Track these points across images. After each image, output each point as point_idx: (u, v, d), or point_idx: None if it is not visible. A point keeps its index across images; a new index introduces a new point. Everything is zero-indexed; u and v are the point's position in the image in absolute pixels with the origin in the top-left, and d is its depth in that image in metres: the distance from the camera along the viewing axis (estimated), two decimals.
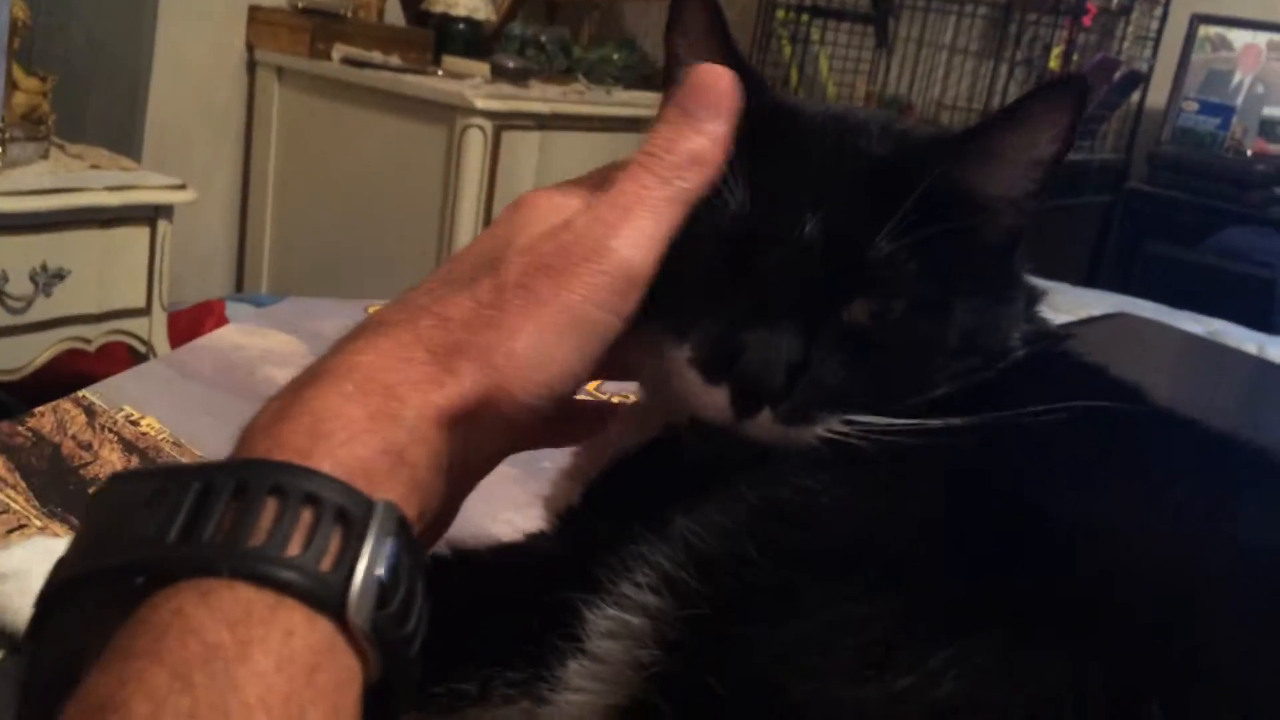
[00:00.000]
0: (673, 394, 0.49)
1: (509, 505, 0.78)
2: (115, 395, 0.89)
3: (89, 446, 0.80)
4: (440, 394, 0.42)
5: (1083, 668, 0.36)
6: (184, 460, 0.80)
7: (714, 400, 0.47)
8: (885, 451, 0.47)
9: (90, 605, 0.35)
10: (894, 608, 0.39)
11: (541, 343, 0.44)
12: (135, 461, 0.80)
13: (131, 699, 0.30)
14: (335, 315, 1.09)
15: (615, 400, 0.58)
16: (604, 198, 0.47)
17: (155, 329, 2.38)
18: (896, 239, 0.48)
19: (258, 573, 0.33)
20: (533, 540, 0.52)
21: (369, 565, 0.35)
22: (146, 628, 0.32)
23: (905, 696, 0.36)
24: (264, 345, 1.02)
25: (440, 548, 0.52)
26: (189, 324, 2.48)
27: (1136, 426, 0.49)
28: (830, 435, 0.48)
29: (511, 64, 3.16)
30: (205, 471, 0.36)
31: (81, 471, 0.77)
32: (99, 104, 2.61)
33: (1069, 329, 0.60)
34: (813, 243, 0.48)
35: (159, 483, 0.36)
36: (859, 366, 0.48)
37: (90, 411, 0.86)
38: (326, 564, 0.34)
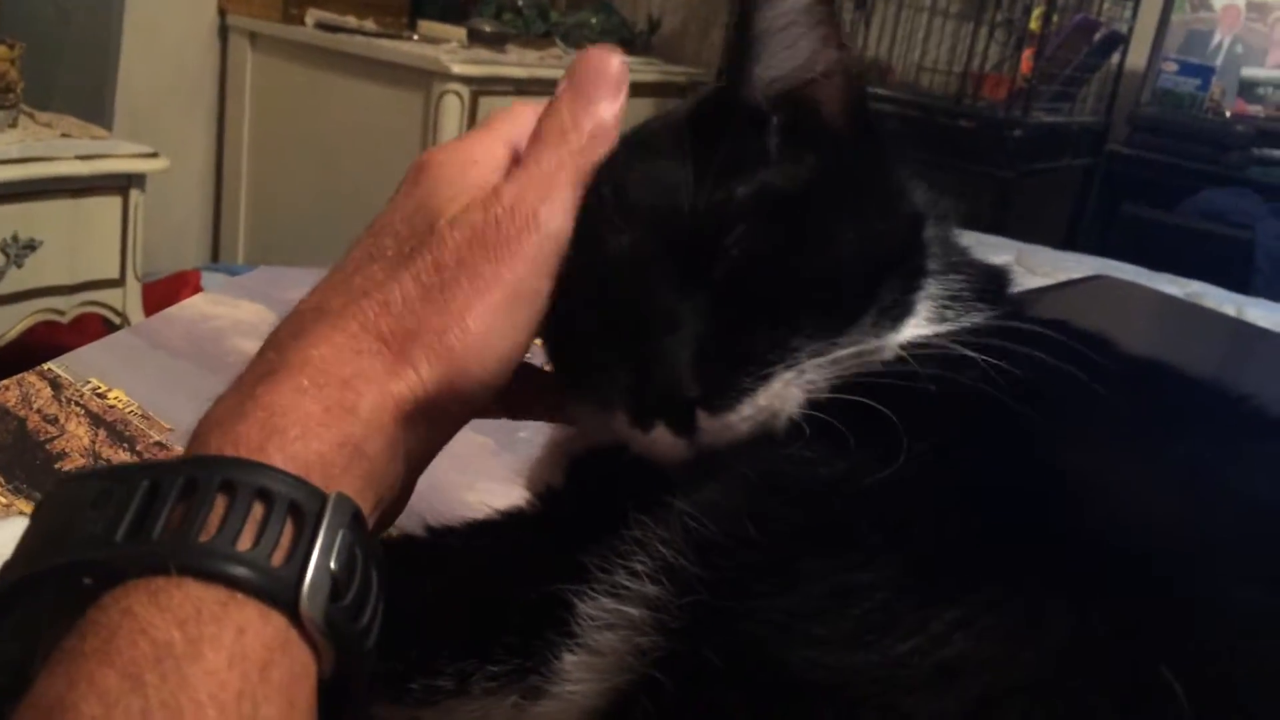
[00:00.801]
0: (642, 454, 0.47)
1: (485, 476, 0.78)
2: (82, 367, 0.87)
3: (55, 420, 0.79)
4: (397, 384, 0.41)
5: (1090, 624, 0.35)
6: (153, 434, 0.79)
7: (662, 443, 0.46)
8: (877, 414, 0.45)
9: (39, 607, 0.34)
10: (896, 572, 0.38)
11: (493, 320, 0.43)
12: (102, 435, 0.78)
13: (82, 701, 0.30)
14: (307, 284, 1.07)
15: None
16: (529, 169, 0.47)
17: (130, 300, 2.36)
18: (718, 182, 0.47)
19: (207, 569, 0.33)
20: (512, 521, 0.51)
21: (321, 558, 0.35)
22: (96, 629, 0.32)
23: (909, 660, 0.35)
24: (235, 315, 1.01)
25: (414, 527, 0.51)
26: (164, 295, 2.46)
27: (1137, 382, 0.49)
28: (797, 394, 0.46)
29: (488, 28, 3.13)
30: (154, 470, 0.36)
31: (48, 446, 0.76)
32: (69, 71, 2.56)
33: (1049, 292, 0.60)
34: (643, 229, 0.47)
35: (106, 483, 0.36)
36: (754, 315, 0.46)
37: (56, 384, 0.84)
38: (278, 558, 0.34)
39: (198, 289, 2.48)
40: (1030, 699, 0.34)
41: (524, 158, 0.47)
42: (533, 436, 0.61)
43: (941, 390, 0.45)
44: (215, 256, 3.23)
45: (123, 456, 0.75)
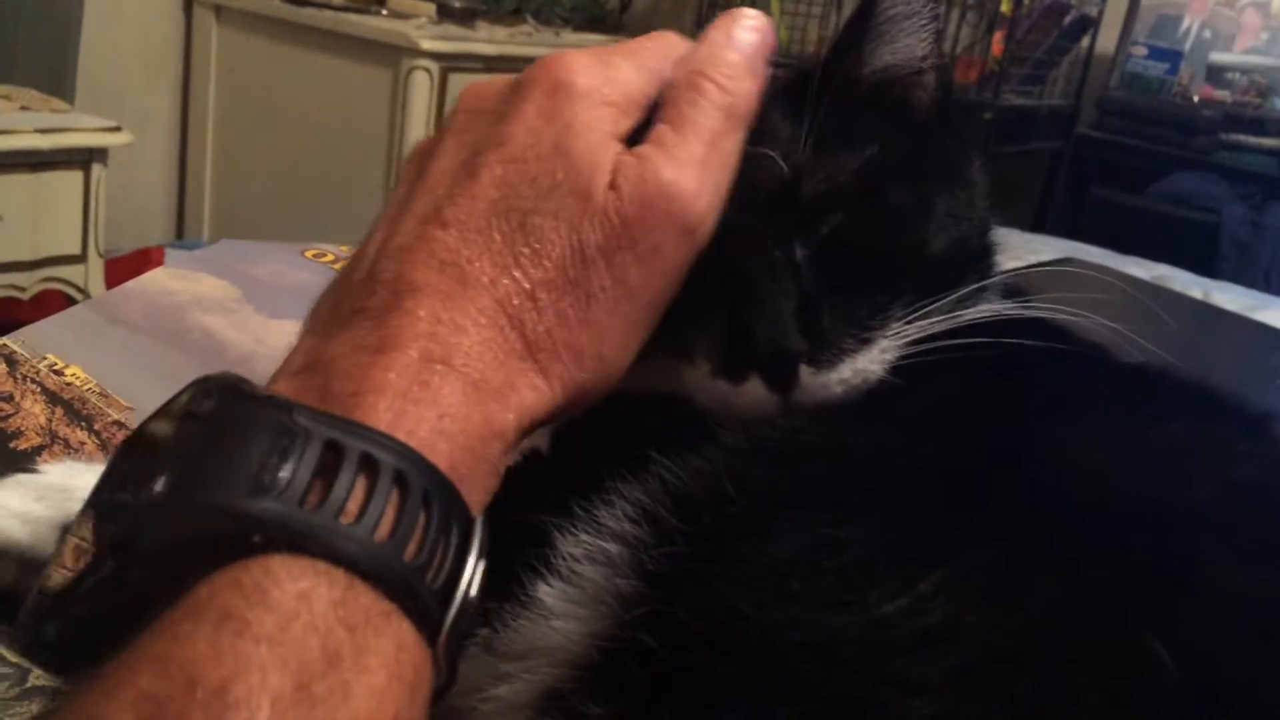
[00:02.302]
0: (713, 408, 0.47)
1: None
2: (38, 343, 0.85)
3: (10, 398, 0.77)
4: (537, 403, 0.39)
5: (1076, 594, 0.35)
6: (111, 412, 0.78)
7: (752, 395, 0.46)
8: (870, 389, 0.47)
9: (187, 536, 0.31)
10: (876, 531, 0.38)
11: (625, 342, 0.41)
12: (59, 413, 0.77)
13: (255, 693, 0.28)
14: (270, 259, 1.06)
15: None
16: (683, 135, 0.41)
17: (92, 276, 2.33)
18: (822, 147, 0.48)
19: (384, 576, 0.31)
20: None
21: (466, 588, 0.34)
22: (268, 606, 0.30)
23: (891, 622, 0.35)
24: (196, 290, 0.99)
25: None
26: (127, 271, 2.42)
27: (1125, 367, 0.50)
28: (887, 360, 0.47)
29: (458, 4, 3.09)
30: (330, 426, 0.33)
31: (2, 424, 0.74)
32: (28, 42, 2.52)
33: (1017, 274, 0.60)
34: (748, 188, 0.46)
35: (283, 425, 0.33)
36: (852, 281, 0.48)
37: (11, 360, 0.82)
38: (431, 577, 0.33)
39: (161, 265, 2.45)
40: (1015, 667, 0.34)
41: (678, 120, 0.42)
42: None
43: (962, 368, 0.47)
44: (180, 233, 3.19)
45: (80, 436, 0.74)
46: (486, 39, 3.01)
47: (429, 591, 0.32)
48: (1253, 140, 3.20)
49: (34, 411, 0.76)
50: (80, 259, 2.30)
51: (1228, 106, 3.31)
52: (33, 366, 0.82)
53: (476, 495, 0.36)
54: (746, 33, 0.45)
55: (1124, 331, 0.51)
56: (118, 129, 2.26)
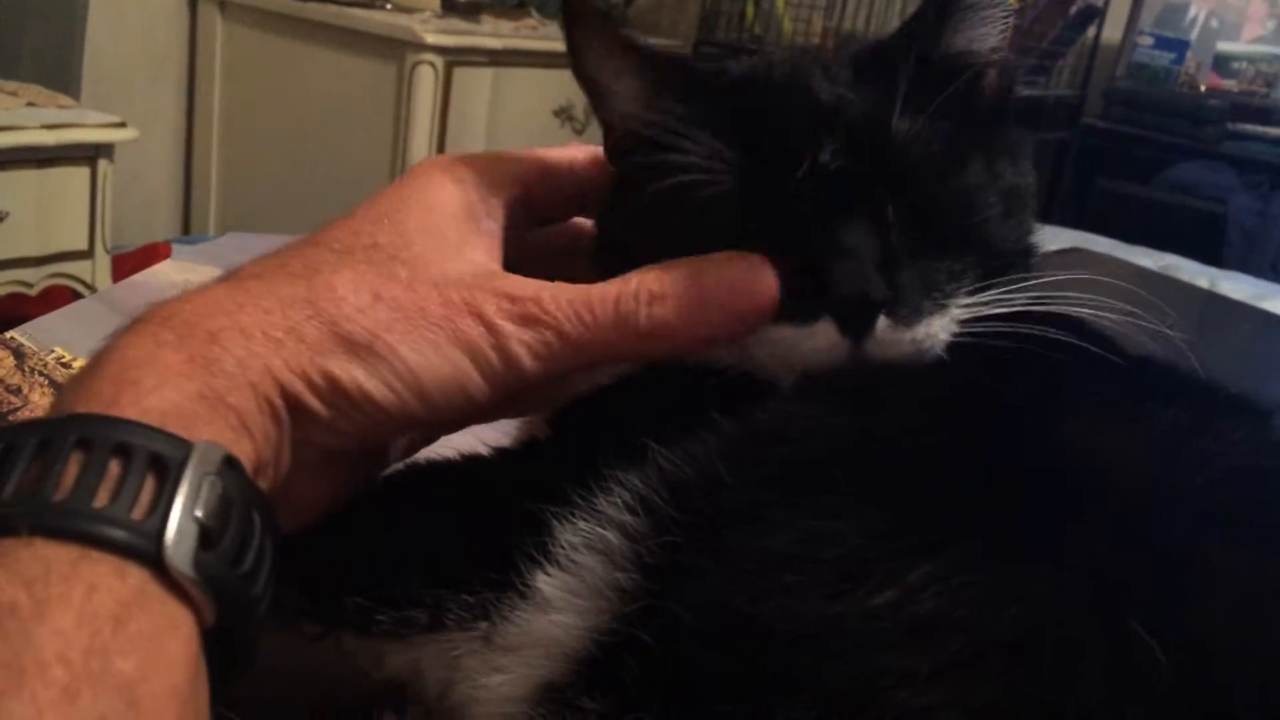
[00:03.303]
0: (767, 359, 0.47)
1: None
2: (46, 336, 0.86)
3: (18, 390, 0.78)
4: (276, 353, 0.39)
5: (1069, 583, 0.35)
6: None
7: (823, 340, 0.46)
8: (869, 377, 0.46)
9: None
10: (870, 522, 0.38)
11: (404, 349, 0.42)
12: None
13: None
14: None
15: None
16: (543, 306, 0.44)
17: (99, 272, 2.33)
18: (913, 115, 0.48)
19: (57, 527, 0.32)
20: (496, 454, 0.50)
21: (185, 507, 0.33)
22: None
23: (883, 612, 0.35)
24: (201, 283, 0.99)
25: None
26: (135, 267, 2.42)
27: (1127, 358, 0.49)
28: (949, 335, 0.47)
29: None
30: (8, 432, 0.34)
31: (10, 417, 0.74)
32: (35, 39, 2.52)
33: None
34: (839, 145, 0.47)
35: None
36: (931, 246, 0.48)
37: (19, 354, 0.82)
38: (139, 512, 0.33)
39: None
40: (1008, 657, 0.34)
41: (570, 285, 0.45)
42: None
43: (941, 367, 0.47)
44: (186, 228, 3.19)
45: None
46: (491, 33, 3.01)
47: (130, 528, 0.32)
48: (1259, 129, 3.19)
49: (42, 404, 0.76)
50: (87, 255, 2.31)
51: (1234, 96, 3.31)
52: (40, 359, 0.82)
53: (214, 427, 0.37)
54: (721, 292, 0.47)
55: (1144, 321, 0.51)
56: (123, 125, 2.27)
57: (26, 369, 0.81)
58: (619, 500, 0.42)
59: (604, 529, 0.41)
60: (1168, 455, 0.42)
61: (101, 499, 0.33)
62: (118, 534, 0.32)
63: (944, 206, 0.49)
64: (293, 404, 0.40)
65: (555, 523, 0.42)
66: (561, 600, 0.41)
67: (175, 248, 2.65)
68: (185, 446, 0.35)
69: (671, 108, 0.50)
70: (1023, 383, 0.46)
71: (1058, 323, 0.49)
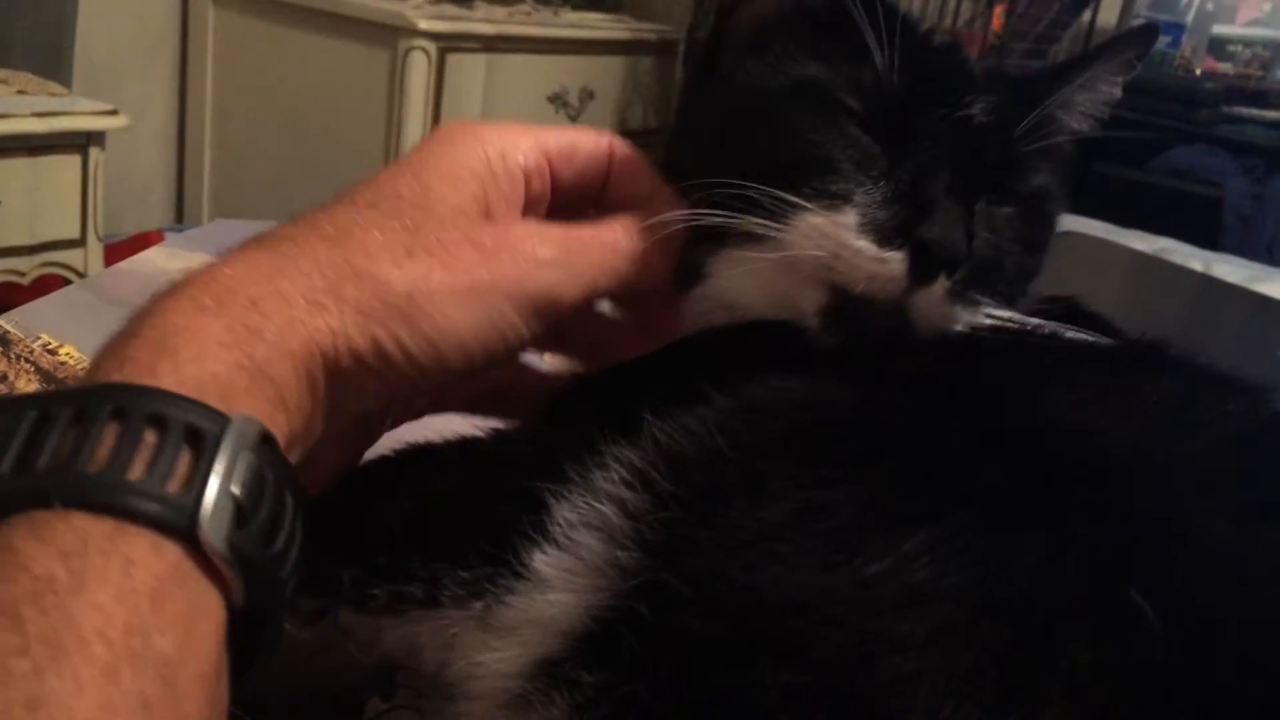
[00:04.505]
0: (818, 267, 0.47)
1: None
2: (32, 322, 0.85)
3: (4, 377, 0.77)
4: (314, 317, 0.39)
5: (1061, 551, 0.35)
6: None
7: (887, 267, 0.46)
8: (865, 353, 0.47)
9: None
10: (865, 493, 0.38)
11: (444, 300, 0.41)
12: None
13: None
14: None
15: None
16: (571, 235, 0.46)
17: (91, 260, 2.32)
18: (1030, 136, 0.51)
19: (93, 500, 0.31)
20: (493, 435, 0.50)
21: (222, 483, 0.33)
22: None
23: (877, 581, 0.35)
24: (190, 270, 0.99)
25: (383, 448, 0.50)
26: (127, 255, 2.39)
27: (1119, 342, 0.50)
28: (971, 328, 0.49)
29: None
30: (44, 399, 0.34)
31: None
32: (25, 26, 2.51)
33: None
34: (980, 121, 0.50)
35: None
36: (999, 252, 0.50)
37: (5, 340, 0.82)
38: (174, 485, 0.32)
39: None
40: (999, 622, 0.34)
41: (574, 225, 0.47)
42: None
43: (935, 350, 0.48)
44: (179, 217, 3.18)
45: None
46: (484, 18, 2.99)
47: (162, 500, 0.32)
48: (1255, 113, 3.18)
49: (28, 390, 0.76)
50: (79, 243, 2.30)
51: (1230, 79, 3.30)
52: (27, 346, 0.82)
53: (252, 399, 0.36)
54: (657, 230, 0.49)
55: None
56: (115, 113, 2.26)
57: (12, 355, 0.80)
58: (616, 476, 0.42)
59: (602, 505, 0.41)
60: (1159, 426, 0.42)
61: (137, 471, 0.32)
62: (153, 507, 0.32)
63: (1010, 235, 0.51)
64: (332, 369, 0.40)
65: (552, 500, 0.42)
66: (559, 579, 0.41)
67: (167, 236, 2.64)
68: (222, 420, 0.34)
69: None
70: (1016, 357, 0.47)
71: (1052, 302, 0.50)
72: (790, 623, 0.35)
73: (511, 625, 0.42)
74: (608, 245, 0.47)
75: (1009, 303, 0.50)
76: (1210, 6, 3.38)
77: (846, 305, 0.47)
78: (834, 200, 0.47)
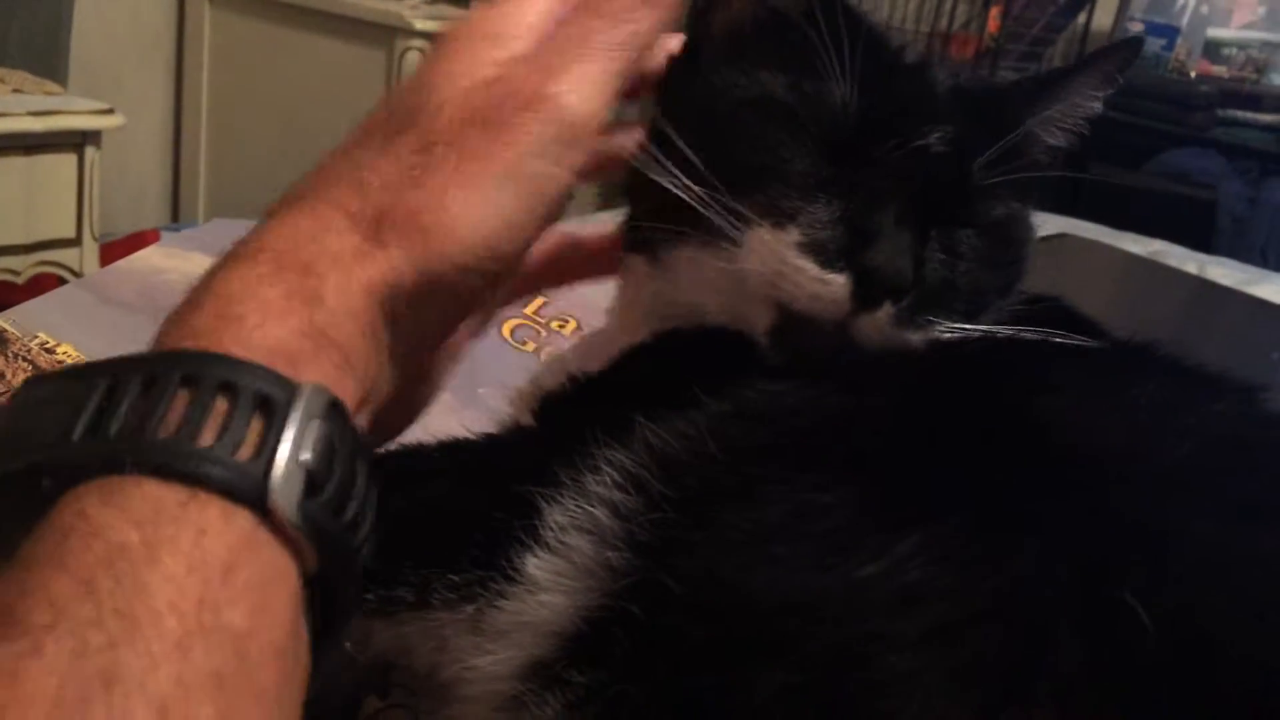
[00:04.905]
0: (762, 283, 0.47)
1: (444, 433, 0.77)
2: (30, 321, 0.85)
3: (1, 376, 0.77)
4: (366, 268, 0.39)
5: (1052, 553, 0.36)
6: None
7: (829, 289, 0.46)
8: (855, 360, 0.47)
9: (3, 511, 0.32)
10: (858, 496, 0.38)
11: (476, 199, 0.40)
12: None
13: (33, 610, 0.28)
14: None
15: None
16: (550, 42, 0.43)
17: (87, 260, 2.32)
18: (993, 167, 0.50)
19: (166, 467, 0.31)
20: (485, 439, 0.51)
21: (292, 451, 0.32)
22: (50, 532, 0.30)
23: (870, 583, 0.35)
24: (187, 269, 0.99)
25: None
26: (123, 254, 2.39)
27: (1110, 340, 0.50)
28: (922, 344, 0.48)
29: None
30: (114, 367, 0.33)
31: None
32: (21, 25, 2.50)
33: None
34: (938, 151, 0.49)
35: (65, 382, 0.33)
36: (956, 273, 0.49)
37: (3, 339, 0.82)
38: (245, 453, 0.32)
39: None
40: (992, 624, 0.34)
41: (555, 30, 0.44)
42: (490, 394, 0.60)
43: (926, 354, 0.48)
44: (175, 216, 3.18)
45: None
46: None
47: (233, 467, 0.31)
48: (1250, 116, 3.19)
49: None
50: (75, 242, 2.29)
51: (1225, 82, 3.31)
52: (24, 345, 0.82)
53: (318, 365, 0.36)
54: None
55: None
56: (111, 112, 2.25)
57: (10, 354, 0.80)
58: (608, 479, 0.42)
59: (593, 508, 0.42)
60: (1149, 428, 0.43)
61: (207, 438, 0.32)
62: (225, 474, 0.31)
63: (969, 259, 0.50)
64: (392, 317, 0.39)
65: (543, 504, 0.42)
66: (551, 582, 0.41)
67: (165, 236, 2.64)
68: (292, 387, 0.34)
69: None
70: (1006, 361, 0.47)
71: (1040, 302, 0.50)
72: (784, 622, 0.35)
73: (504, 628, 0.42)
74: (598, 29, 0.45)
75: (971, 318, 0.50)
76: (1205, 9, 3.39)
77: (791, 324, 0.47)
78: (780, 217, 0.47)
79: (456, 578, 0.43)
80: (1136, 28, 3.40)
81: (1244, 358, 1.06)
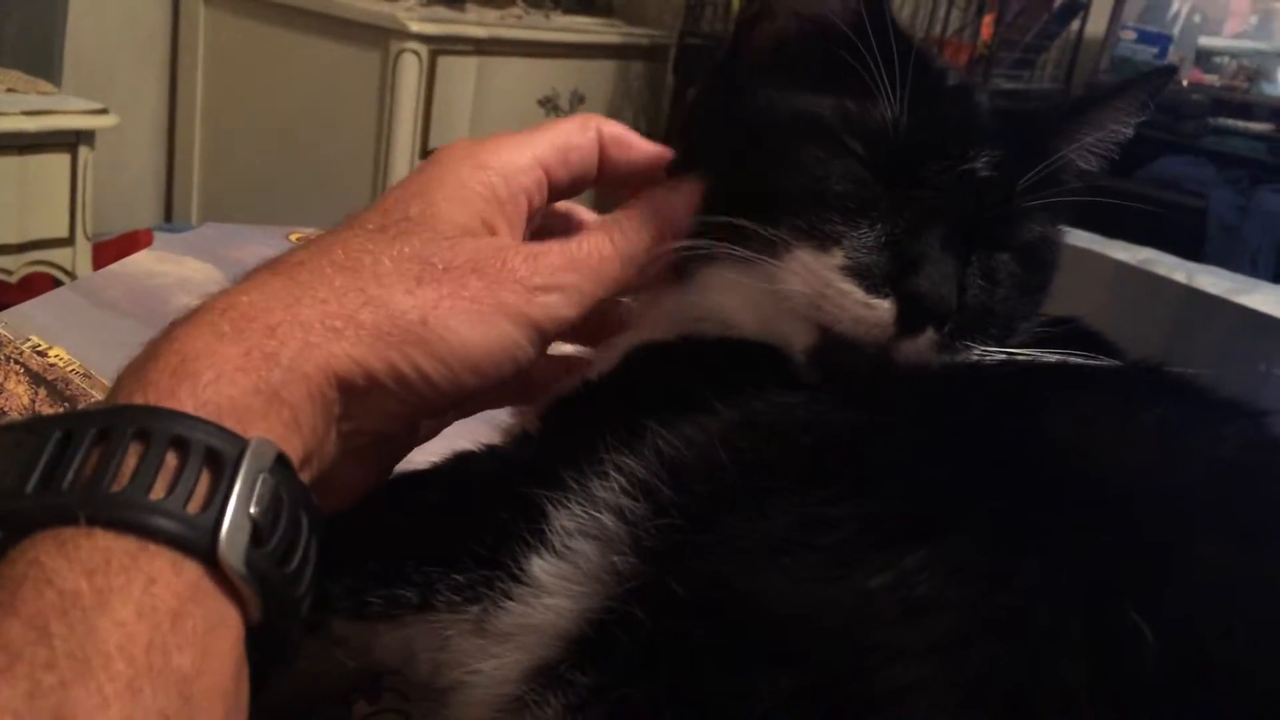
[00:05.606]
0: (804, 304, 0.47)
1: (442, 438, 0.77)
2: (22, 324, 0.85)
3: None
4: (334, 343, 0.40)
5: (1060, 570, 0.36)
6: (95, 394, 0.78)
7: (874, 313, 0.46)
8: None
9: None
10: (867, 509, 0.38)
11: (455, 326, 0.42)
12: (43, 393, 0.77)
13: None
14: (255, 241, 1.06)
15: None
16: (568, 250, 0.47)
17: (79, 260, 2.32)
18: (1031, 191, 0.50)
19: (117, 518, 0.32)
20: (489, 450, 0.51)
21: (239, 503, 0.34)
22: (4, 580, 0.31)
23: (877, 595, 0.36)
24: (180, 273, 0.99)
25: None
26: (116, 255, 2.40)
27: (1118, 365, 0.51)
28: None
29: None
30: (68, 419, 0.35)
31: None
32: (15, 24, 2.50)
33: None
34: (984, 175, 0.49)
35: (20, 434, 0.35)
36: (993, 299, 0.50)
37: None
38: (194, 506, 0.33)
39: None
40: (997, 638, 0.34)
41: (575, 238, 0.48)
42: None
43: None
44: (168, 216, 3.18)
45: None
46: (476, 21, 3.00)
47: (182, 520, 0.33)
48: (1241, 125, 3.20)
49: (17, 392, 0.76)
50: (68, 242, 2.29)
51: (1216, 91, 3.32)
52: (16, 348, 0.82)
53: (267, 423, 0.37)
54: (665, 200, 0.51)
55: None
56: (105, 111, 2.25)
57: (2, 357, 0.80)
58: (616, 485, 0.42)
59: (600, 514, 0.42)
60: (1158, 449, 0.43)
61: (159, 491, 0.33)
62: (175, 527, 0.33)
63: (1006, 285, 0.51)
64: (347, 391, 0.41)
65: (550, 508, 0.43)
66: (557, 586, 0.42)
67: (157, 235, 2.64)
68: (240, 442, 0.35)
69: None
70: (1018, 380, 0.47)
71: (1062, 324, 0.50)
72: (789, 630, 0.36)
73: (509, 630, 0.42)
74: (601, 256, 0.48)
75: (1001, 343, 0.50)
76: (1197, 18, 3.40)
77: (832, 345, 0.47)
78: (825, 240, 0.47)
79: (461, 577, 0.43)
80: (1129, 36, 3.42)
81: (1232, 368, 1.07)
